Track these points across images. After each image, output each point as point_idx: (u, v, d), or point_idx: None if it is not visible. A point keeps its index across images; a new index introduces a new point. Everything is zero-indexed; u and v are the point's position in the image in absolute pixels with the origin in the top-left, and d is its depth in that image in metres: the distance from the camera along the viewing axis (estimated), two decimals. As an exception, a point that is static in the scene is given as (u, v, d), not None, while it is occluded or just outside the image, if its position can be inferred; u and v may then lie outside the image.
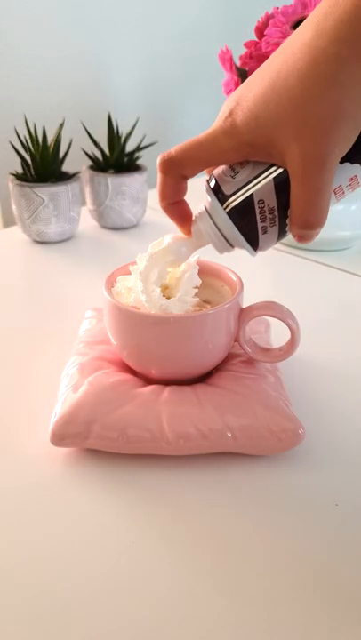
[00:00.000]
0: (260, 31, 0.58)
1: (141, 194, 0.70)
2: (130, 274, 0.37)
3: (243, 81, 0.61)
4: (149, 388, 0.34)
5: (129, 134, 0.70)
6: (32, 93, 0.86)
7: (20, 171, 0.65)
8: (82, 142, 0.71)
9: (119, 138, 0.69)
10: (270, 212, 0.29)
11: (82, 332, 0.42)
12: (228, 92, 0.63)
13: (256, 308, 0.35)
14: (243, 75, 0.61)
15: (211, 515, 0.30)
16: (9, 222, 0.85)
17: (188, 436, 0.32)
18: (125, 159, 0.70)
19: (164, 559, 0.27)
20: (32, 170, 0.64)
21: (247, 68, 0.60)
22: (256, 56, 0.58)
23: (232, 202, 0.30)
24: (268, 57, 0.58)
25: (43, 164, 0.63)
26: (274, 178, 0.29)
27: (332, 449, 0.34)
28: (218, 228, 0.31)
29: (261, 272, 0.61)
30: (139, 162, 0.72)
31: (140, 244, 0.64)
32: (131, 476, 0.32)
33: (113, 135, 0.69)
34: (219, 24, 1.09)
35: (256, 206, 0.29)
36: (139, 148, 0.70)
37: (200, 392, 0.34)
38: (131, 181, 0.68)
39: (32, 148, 0.63)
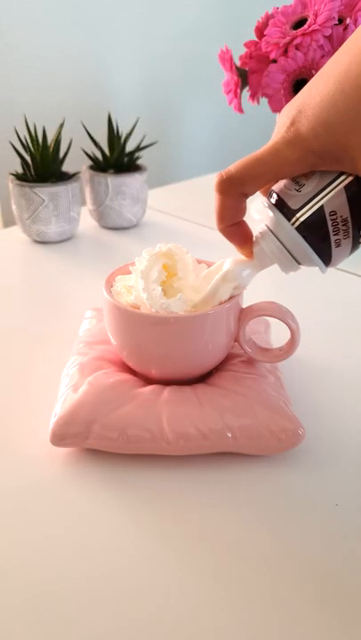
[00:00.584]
0: (260, 31, 0.58)
1: (141, 194, 0.70)
2: (130, 274, 0.37)
3: (243, 81, 0.61)
4: (149, 388, 0.34)
5: (129, 134, 0.70)
6: (32, 93, 0.86)
7: (20, 171, 0.65)
8: (82, 142, 0.71)
9: (119, 138, 0.69)
10: (344, 223, 0.28)
11: (82, 331, 0.42)
12: (228, 92, 0.63)
13: (256, 308, 0.35)
14: (243, 75, 0.61)
15: (211, 514, 0.30)
16: (9, 222, 0.85)
17: (188, 436, 0.32)
18: (125, 159, 0.70)
19: (165, 559, 0.27)
20: (32, 170, 0.64)
21: (247, 68, 0.60)
22: (256, 56, 0.58)
23: (301, 216, 0.28)
24: (268, 57, 0.58)
25: (43, 164, 0.63)
26: (345, 187, 0.27)
27: (332, 449, 0.34)
28: (284, 246, 0.29)
29: (261, 272, 0.61)
30: (139, 162, 0.72)
31: (140, 244, 0.64)
32: (131, 476, 0.32)
33: (113, 135, 0.69)
34: (219, 24, 1.09)
35: (328, 219, 0.27)
36: (139, 148, 0.70)
37: (200, 392, 0.34)
38: (131, 181, 0.68)
39: (32, 148, 0.63)
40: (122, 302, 0.34)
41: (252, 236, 0.32)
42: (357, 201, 0.27)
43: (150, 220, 0.75)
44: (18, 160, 0.64)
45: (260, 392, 0.34)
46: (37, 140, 0.63)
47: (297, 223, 0.28)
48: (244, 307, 0.35)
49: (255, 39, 0.59)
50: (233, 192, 0.29)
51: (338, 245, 0.28)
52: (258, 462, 0.33)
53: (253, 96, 0.61)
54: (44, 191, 0.62)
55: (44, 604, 0.25)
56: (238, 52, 0.60)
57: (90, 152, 0.70)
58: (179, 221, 0.75)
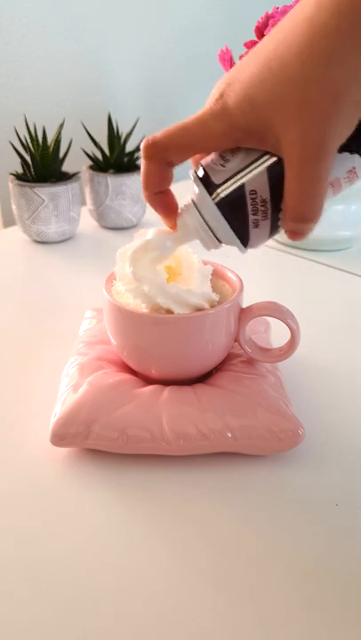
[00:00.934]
0: (260, 31, 0.58)
1: (141, 194, 0.70)
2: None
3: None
4: (149, 388, 0.34)
5: (129, 134, 0.70)
6: (32, 93, 0.86)
7: (20, 171, 0.65)
8: (82, 142, 0.71)
9: (119, 138, 0.69)
10: (263, 204, 0.27)
11: (82, 331, 0.42)
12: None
13: (256, 308, 0.35)
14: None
15: (211, 514, 0.30)
16: (9, 222, 0.85)
17: (188, 436, 0.32)
18: (125, 159, 0.70)
19: (164, 559, 0.27)
20: (32, 170, 0.64)
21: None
22: (256, 56, 0.58)
23: (221, 192, 0.27)
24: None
25: (43, 164, 0.63)
26: (268, 167, 0.27)
27: (332, 449, 0.34)
28: (205, 221, 0.29)
29: (261, 272, 0.61)
30: (139, 162, 0.72)
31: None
32: (131, 476, 0.32)
33: (113, 135, 0.69)
34: (219, 24, 1.09)
35: (248, 197, 0.27)
36: (139, 148, 0.70)
37: (200, 392, 0.34)
38: (131, 181, 0.68)
39: (32, 148, 0.63)
40: (122, 302, 0.34)
41: (177, 207, 0.31)
42: (278, 183, 0.26)
43: (150, 220, 0.75)
44: (18, 160, 0.64)
45: (260, 392, 0.34)
46: (37, 140, 0.63)
47: (217, 199, 0.28)
48: (244, 307, 0.35)
49: (255, 39, 0.59)
50: (158, 158, 0.29)
51: (256, 226, 0.28)
52: (258, 462, 0.33)
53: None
54: (44, 191, 0.62)
55: (44, 603, 0.25)
56: (238, 52, 0.60)
57: (90, 152, 0.70)
58: (179, 221, 0.75)
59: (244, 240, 0.29)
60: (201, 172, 0.29)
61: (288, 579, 0.26)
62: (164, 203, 0.31)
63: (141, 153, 0.29)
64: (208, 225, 0.29)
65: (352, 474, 0.32)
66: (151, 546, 0.28)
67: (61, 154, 0.66)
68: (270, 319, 0.42)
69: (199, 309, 0.33)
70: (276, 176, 0.26)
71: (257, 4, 0.82)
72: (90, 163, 0.71)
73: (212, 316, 0.33)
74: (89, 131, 0.70)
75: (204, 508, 0.30)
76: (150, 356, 0.34)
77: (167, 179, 0.30)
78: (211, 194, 0.28)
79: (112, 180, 0.67)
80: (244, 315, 0.35)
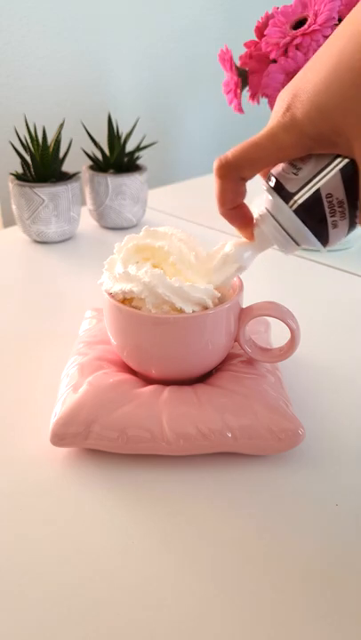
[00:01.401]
0: (260, 31, 0.58)
1: (141, 194, 0.70)
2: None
3: (243, 81, 0.61)
4: (149, 388, 0.34)
5: (129, 134, 0.70)
6: (32, 93, 0.86)
7: (20, 171, 0.65)
8: (82, 142, 0.71)
9: (119, 138, 0.69)
10: (340, 205, 0.28)
11: (82, 331, 0.42)
12: (228, 92, 0.63)
13: (256, 308, 0.35)
14: (243, 75, 0.61)
15: (211, 515, 0.30)
16: (9, 222, 0.85)
17: (188, 436, 0.32)
18: (125, 159, 0.70)
19: (164, 559, 0.27)
20: (32, 170, 0.64)
21: (247, 68, 0.60)
22: (256, 56, 0.58)
23: (298, 199, 0.29)
24: (268, 57, 0.58)
25: (43, 164, 0.63)
26: (341, 169, 0.27)
27: (332, 449, 0.34)
28: (283, 228, 0.30)
29: (261, 272, 0.61)
30: (139, 162, 0.72)
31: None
32: (131, 476, 0.32)
33: (113, 135, 0.69)
34: (219, 24, 1.09)
35: (325, 201, 0.28)
36: (139, 148, 0.70)
37: (200, 392, 0.34)
38: (131, 181, 0.68)
39: (32, 148, 0.63)
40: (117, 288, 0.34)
41: (252, 218, 0.32)
42: (353, 183, 0.27)
43: (150, 219, 0.75)
44: (18, 160, 0.64)
45: (260, 392, 0.34)
46: (37, 140, 0.63)
47: (295, 206, 0.29)
48: (244, 307, 0.35)
49: (255, 39, 0.59)
50: (231, 176, 0.30)
51: (335, 227, 0.29)
52: (258, 462, 0.33)
53: (253, 96, 0.61)
54: (44, 191, 0.62)
55: (43, 603, 0.25)
56: (238, 51, 0.60)
57: (90, 152, 0.70)
58: (179, 221, 0.75)
59: (324, 241, 0.30)
60: (273, 182, 0.30)
61: (288, 578, 0.26)
62: (240, 215, 0.32)
63: (214, 172, 0.30)
64: (286, 231, 0.30)
65: (352, 474, 0.32)
66: (151, 546, 0.28)
67: (61, 154, 0.66)
68: (270, 319, 0.42)
69: (202, 305, 0.33)
70: (349, 177, 0.27)
71: (257, 3, 0.82)
72: (90, 163, 0.71)
73: (212, 316, 0.33)
74: (89, 131, 0.70)
75: (204, 507, 0.30)
76: (150, 356, 0.34)
77: (242, 193, 0.31)
78: (287, 202, 0.29)
79: (112, 180, 0.67)
80: (244, 315, 0.35)
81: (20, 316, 0.51)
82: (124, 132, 0.70)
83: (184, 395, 0.33)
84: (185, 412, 0.32)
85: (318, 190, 0.28)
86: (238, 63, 0.61)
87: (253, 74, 0.59)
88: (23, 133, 0.63)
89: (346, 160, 0.27)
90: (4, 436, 0.35)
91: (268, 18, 0.58)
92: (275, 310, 0.35)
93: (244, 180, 0.30)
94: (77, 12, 0.87)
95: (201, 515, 0.30)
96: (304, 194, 0.28)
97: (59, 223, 0.65)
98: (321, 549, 0.28)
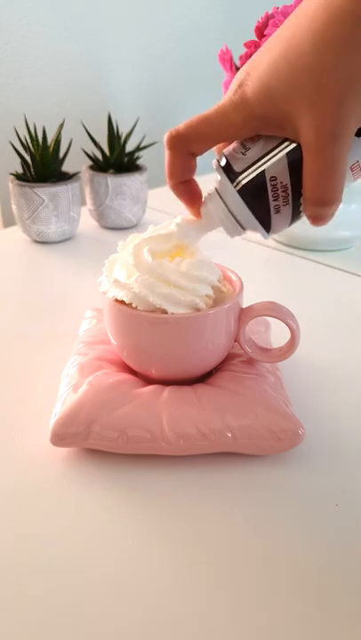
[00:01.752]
0: (260, 31, 0.58)
1: (141, 194, 0.70)
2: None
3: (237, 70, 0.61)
4: (149, 388, 0.34)
5: (129, 134, 0.70)
6: (32, 93, 0.86)
7: (20, 171, 0.65)
8: (82, 142, 0.71)
9: (119, 138, 0.69)
10: (283, 189, 0.28)
11: (82, 331, 0.42)
12: (228, 92, 0.63)
13: (256, 308, 0.35)
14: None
15: (211, 515, 0.30)
16: (9, 222, 0.85)
17: (188, 436, 0.32)
18: (125, 159, 0.70)
19: (164, 559, 0.27)
20: (32, 170, 0.64)
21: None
22: (256, 56, 0.58)
23: (243, 179, 0.28)
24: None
25: (43, 164, 0.63)
26: (287, 153, 0.27)
27: (332, 449, 0.34)
28: (228, 208, 0.30)
29: (261, 272, 0.61)
30: (139, 162, 0.72)
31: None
32: (131, 476, 0.32)
33: (113, 135, 0.69)
34: (219, 24, 1.09)
35: (268, 184, 0.28)
36: (139, 148, 0.70)
37: (200, 392, 0.34)
38: (131, 181, 0.68)
39: (32, 148, 0.63)
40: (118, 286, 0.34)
41: (200, 196, 0.32)
42: (298, 168, 0.27)
43: (150, 219, 0.75)
44: (18, 160, 0.64)
45: (260, 392, 0.34)
46: (37, 140, 0.63)
47: (239, 186, 0.28)
48: (244, 307, 0.35)
49: (255, 39, 0.59)
50: (181, 149, 0.30)
51: (277, 211, 0.29)
52: (258, 462, 0.33)
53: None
54: (44, 191, 0.62)
55: (43, 603, 0.25)
56: (238, 51, 0.60)
57: (90, 152, 0.70)
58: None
59: (267, 226, 0.30)
60: (223, 161, 0.29)
61: (288, 578, 0.26)
62: (188, 192, 0.32)
63: (165, 144, 0.30)
64: (231, 212, 0.30)
65: (352, 474, 0.32)
66: (151, 546, 0.28)
67: (61, 154, 0.66)
68: (270, 319, 0.42)
69: (194, 308, 0.33)
70: (295, 162, 0.27)
71: (257, 3, 0.82)
72: (90, 163, 0.71)
73: (212, 316, 0.33)
74: (89, 131, 0.70)
75: (203, 507, 0.30)
76: (150, 356, 0.34)
77: (190, 168, 0.31)
78: (232, 181, 0.29)
79: (112, 180, 0.67)
80: (244, 315, 0.35)
81: (20, 316, 0.51)
82: (124, 132, 0.70)
83: (184, 395, 0.33)
84: (185, 411, 0.32)
85: (263, 172, 0.28)
86: (238, 63, 0.61)
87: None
88: (23, 133, 0.63)
89: (293, 144, 0.27)
90: (4, 435, 0.35)
91: (268, 18, 0.58)
92: (275, 310, 0.35)
93: (194, 155, 0.30)
94: (77, 12, 0.87)
95: (201, 515, 0.30)
96: (249, 174, 0.28)
97: (59, 223, 0.65)
98: (321, 549, 0.28)
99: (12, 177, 0.64)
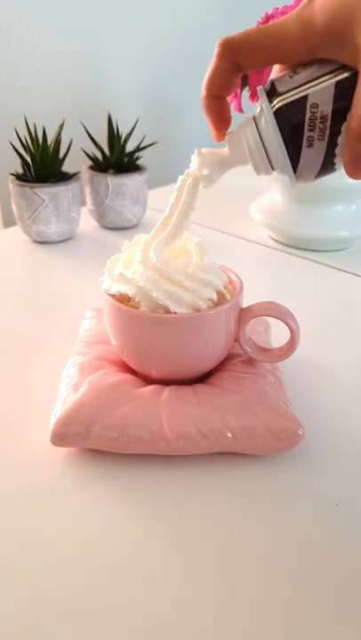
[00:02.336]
0: (260, 31, 0.58)
1: (141, 194, 0.70)
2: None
3: (243, 81, 0.61)
4: (149, 388, 0.34)
5: (129, 134, 0.70)
6: (32, 93, 0.86)
7: (20, 171, 0.65)
8: (82, 142, 0.71)
9: (119, 138, 0.69)
10: (322, 121, 0.26)
11: (82, 331, 0.42)
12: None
13: (256, 308, 0.35)
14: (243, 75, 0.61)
15: (211, 515, 0.30)
16: (9, 222, 0.85)
17: (188, 436, 0.32)
18: (125, 159, 0.70)
19: (164, 559, 0.27)
20: (32, 170, 0.64)
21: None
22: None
23: (282, 100, 0.26)
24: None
25: (43, 164, 0.63)
26: (336, 82, 0.25)
27: (332, 449, 0.34)
28: (260, 134, 0.27)
29: (261, 272, 0.61)
30: (139, 162, 0.72)
31: (140, 244, 0.64)
32: (131, 476, 0.32)
33: (113, 135, 0.69)
34: (219, 24, 1.09)
35: (308, 110, 0.26)
36: (139, 149, 0.70)
37: (200, 392, 0.34)
38: (131, 181, 0.68)
39: (32, 148, 0.63)
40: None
41: (230, 119, 0.30)
42: (344, 101, 0.25)
43: (150, 220, 0.75)
44: (18, 160, 0.64)
45: (260, 392, 0.34)
46: (37, 140, 0.63)
47: (277, 106, 0.27)
48: (243, 307, 0.35)
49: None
50: (227, 56, 0.28)
51: (310, 145, 0.27)
52: (258, 462, 0.33)
53: (253, 96, 0.61)
54: (44, 191, 0.62)
55: (44, 603, 0.25)
56: (238, 52, 0.60)
57: (90, 152, 0.70)
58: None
59: (295, 161, 0.27)
60: (268, 85, 0.28)
61: (288, 578, 0.26)
62: (218, 110, 0.30)
63: (215, 50, 0.28)
64: (262, 140, 0.28)
65: (352, 474, 0.32)
66: (151, 545, 0.28)
67: (61, 154, 0.66)
68: (270, 319, 0.42)
69: (195, 308, 0.33)
70: (343, 93, 0.25)
71: (257, 3, 0.82)
72: (90, 163, 0.71)
73: (212, 316, 0.33)
74: (89, 131, 0.70)
75: (203, 507, 0.30)
76: (150, 356, 0.34)
77: (231, 84, 0.29)
78: (271, 102, 0.27)
79: (112, 180, 0.67)
80: (244, 315, 0.35)
81: (21, 316, 0.51)
82: (124, 132, 0.70)
83: (184, 395, 0.33)
84: (185, 411, 0.32)
85: (306, 96, 0.26)
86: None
87: (253, 74, 0.59)
88: (23, 133, 0.63)
89: (345, 74, 0.25)
90: (4, 435, 0.35)
91: (268, 18, 0.58)
92: (275, 310, 0.35)
93: (241, 68, 0.28)
94: (77, 12, 0.87)
95: (201, 514, 0.30)
96: (290, 96, 0.26)
97: (59, 223, 0.65)
98: (321, 549, 0.28)
99: (12, 177, 0.64)
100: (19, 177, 0.64)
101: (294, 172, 0.28)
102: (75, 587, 0.26)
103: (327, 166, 0.28)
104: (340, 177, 0.65)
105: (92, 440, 0.32)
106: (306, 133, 0.26)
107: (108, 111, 0.73)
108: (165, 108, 1.08)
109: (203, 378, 0.36)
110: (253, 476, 0.32)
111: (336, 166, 0.28)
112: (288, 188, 0.63)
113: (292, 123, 0.26)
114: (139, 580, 0.26)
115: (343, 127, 0.26)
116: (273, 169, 0.29)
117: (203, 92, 0.29)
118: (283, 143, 0.27)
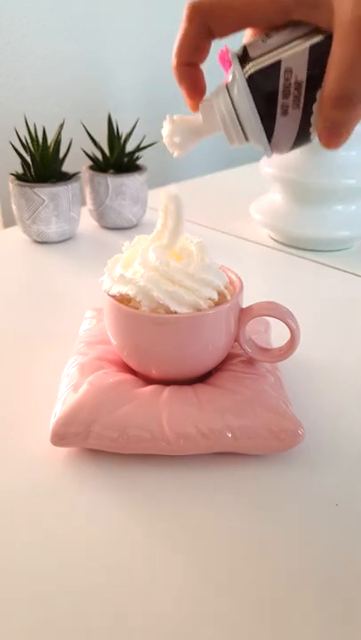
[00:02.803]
0: (260, 31, 0.58)
1: (141, 194, 0.70)
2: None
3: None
4: (149, 388, 0.34)
5: (129, 134, 0.70)
6: (32, 93, 0.86)
7: (20, 171, 0.65)
8: (82, 142, 0.71)
9: (119, 138, 0.69)
10: (296, 87, 0.24)
11: (82, 331, 0.42)
12: (228, 92, 0.63)
13: (256, 308, 0.35)
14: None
15: (210, 515, 0.30)
16: (9, 222, 0.85)
17: (188, 436, 0.32)
18: (125, 159, 0.70)
19: (164, 559, 0.27)
20: (32, 170, 0.64)
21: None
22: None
23: (255, 65, 0.25)
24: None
25: (43, 164, 0.63)
26: (311, 46, 0.24)
27: (332, 449, 0.34)
28: (233, 103, 0.26)
29: (261, 272, 0.61)
30: (139, 162, 0.72)
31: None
32: (131, 476, 0.32)
33: (113, 135, 0.69)
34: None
35: (281, 75, 0.24)
36: (139, 149, 0.70)
37: (200, 392, 0.34)
38: (131, 181, 0.68)
39: (32, 148, 0.63)
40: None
41: (204, 88, 0.29)
42: (319, 66, 0.24)
43: (150, 220, 0.75)
44: (18, 160, 0.64)
45: (260, 392, 0.34)
46: (37, 140, 0.63)
47: (250, 71, 0.26)
48: (243, 307, 0.35)
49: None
50: (197, 19, 0.26)
51: (284, 113, 0.25)
52: (258, 462, 0.33)
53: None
54: (44, 191, 0.62)
55: (43, 603, 0.25)
56: (238, 52, 0.60)
57: (90, 152, 0.70)
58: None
59: (269, 130, 0.26)
60: (240, 51, 0.27)
61: (288, 578, 0.26)
62: (192, 78, 0.28)
63: (183, 14, 0.27)
64: (235, 108, 0.27)
65: (352, 474, 0.32)
66: (151, 545, 0.28)
67: (61, 154, 0.66)
68: (270, 319, 0.42)
69: (196, 308, 0.33)
70: (318, 58, 0.24)
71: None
72: (90, 163, 0.71)
73: (212, 316, 0.33)
74: (89, 131, 0.70)
75: (203, 507, 0.30)
76: (150, 356, 0.34)
77: (203, 50, 0.27)
78: (244, 68, 0.26)
79: (112, 180, 0.67)
80: (244, 315, 0.35)
81: (20, 315, 0.51)
82: (124, 132, 0.70)
83: (184, 395, 0.33)
84: (185, 411, 0.32)
85: (279, 61, 0.25)
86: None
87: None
88: (23, 133, 0.63)
89: (319, 37, 0.24)
90: (4, 436, 0.35)
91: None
92: (275, 310, 0.35)
93: (212, 34, 0.27)
94: (77, 12, 0.87)
95: (201, 514, 0.30)
96: (263, 61, 0.25)
97: (59, 223, 0.65)
98: (321, 549, 0.28)
99: (12, 177, 0.64)
100: (19, 177, 0.64)
101: (269, 142, 0.27)
102: (74, 586, 0.26)
103: (303, 136, 0.27)
104: (340, 177, 0.65)
105: (92, 440, 0.32)
106: (280, 101, 0.25)
107: (108, 111, 0.73)
108: (165, 108, 1.08)
109: (203, 378, 0.36)
110: (253, 476, 0.32)
111: (312, 136, 0.27)
112: (288, 188, 0.63)
113: (266, 90, 0.25)
114: (139, 580, 0.26)
115: (318, 94, 0.25)
116: (247, 139, 0.28)
117: (173, 61, 0.28)
118: (256, 112, 0.26)
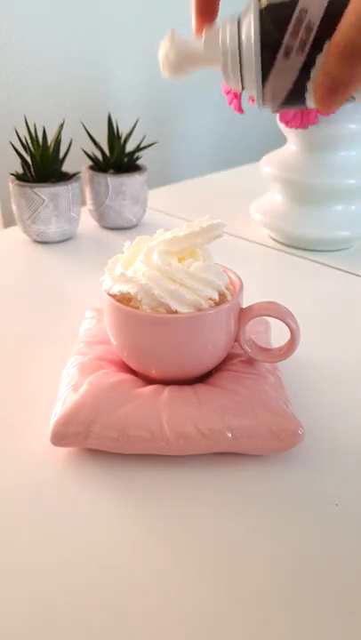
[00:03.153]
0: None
1: (141, 194, 0.70)
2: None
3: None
4: (149, 388, 0.34)
5: (129, 134, 0.70)
6: (32, 93, 0.86)
7: (20, 171, 0.65)
8: (82, 142, 0.71)
9: (119, 138, 0.69)
10: (307, 29, 0.24)
11: (82, 331, 0.42)
12: (228, 92, 0.63)
13: (256, 308, 0.35)
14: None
15: (210, 515, 0.30)
16: (9, 222, 0.85)
17: (188, 436, 0.32)
18: (125, 159, 0.70)
19: (164, 559, 0.27)
20: (32, 170, 0.64)
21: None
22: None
23: None
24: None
25: (43, 164, 0.63)
26: None
27: (332, 449, 0.34)
28: (239, 32, 0.25)
29: (261, 272, 0.61)
30: (139, 162, 0.72)
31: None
32: (131, 476, 0.32)
33: (113, 135, 0.69)
34: (219, 24, 1.09)
35: (296, 13, 0.24)
36: (139, 149, 0.70)
37: (200, 392, 0.34)
38: (131, 181, 0.68)
39: (32, 148, 0.63)
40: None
41: (215, 11, 0.28)
42: (333, 18, 0.23)
43: (150, 220, 0.75)
44: (18, 160, 0.64)
45: (260, 392, 0.34)
46: (37, 140, 0.63)
47: (265, 3, 0.25)
48: (244, 307, 0.35)
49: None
50: None
51: (287, 55, 0.25)
52: (258, 462, 0.33)
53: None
54: (44, 191, 0.62)
55: (43, 603, 0.25)
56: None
57: (90, 152, 0.70)
58: (179, 221, 0.75)
59: (267, 70, 0.25)
60: None
61: (288, 578, 0.26)
62: None
63: None
64: (239, 39, 0.26)
65: (352, 474, 0.32)
66: (151, 545, 0.28)
67: (61, 154, 0.66)
68: (270, 319, 0.42)
69: (197, 307, 0.33)
70: (336, 7, 0.23)
71: (257, 4, 0.82)
72: (90, 163, 0.71)
73: (212, 315, 0.33)
74: (89, 131, 0.70)
75: (204, 507, 0.30)
76: (150, 356, 0.34)
77: None
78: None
79: (112, 180, 0.67)
80: (244, 315, 0.35)
81: (20, 316, 0.51)
82: (124, 132, 0.70)
83: (184, 395, 0.33)
84: (185, 411, 0.32)
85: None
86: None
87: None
88: (23, 133, 0.63)
89: None
90: (4, 436, 0.35)
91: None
92: (275, 310, 0.35)
93: None
94: (77, 12, 0.87)
95: (201, 514, 0.30)
96: None
97: (59, 223, 0.65)
98: (321, 549, 0.28)
99: (12, 177, 0.64)
100: (19, 177, 0.64)
101: (263, 85, 0.26)
102: (74, 586, 0.26)
103: (297, 92, 0.26)
104: (340, 177, 0.65)
105: (92, 440, 0.32)
106: (286, 39, 0.24)
107: (108, 111, 0.73)
108: (165, 108, 1.08)
109: (203, 378, 0.36)
110: (253, 476, 0.32)
111: (306, 94, 0.26)
112: (288, 188, 0.63)
113: (275, 22, 0.24)
114: (139, 580, 0.26)
115: (326, 46, 0.24)
116: (242, 80, 0.27)
117: None
118: (260, 44, 0.25)
